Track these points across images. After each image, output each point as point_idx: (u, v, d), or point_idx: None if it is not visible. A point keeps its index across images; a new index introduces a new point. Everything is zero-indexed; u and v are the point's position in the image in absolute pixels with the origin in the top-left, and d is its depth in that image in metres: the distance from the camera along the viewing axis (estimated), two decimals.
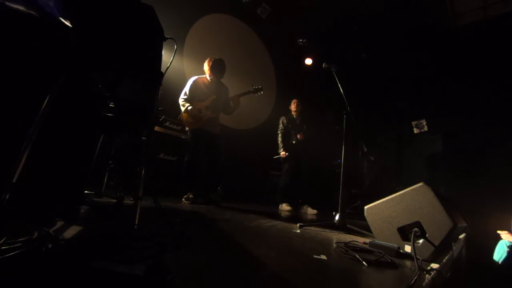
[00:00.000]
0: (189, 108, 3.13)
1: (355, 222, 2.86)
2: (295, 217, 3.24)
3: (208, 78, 3.36)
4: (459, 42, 4.91)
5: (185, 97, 3.20)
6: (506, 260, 2.82)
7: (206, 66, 3.35)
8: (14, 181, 1.00)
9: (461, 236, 2.43)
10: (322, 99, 5.77)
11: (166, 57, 1.80)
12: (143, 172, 1.56)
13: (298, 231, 2.14)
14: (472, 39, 4.77)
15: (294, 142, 4.18)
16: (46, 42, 1.21)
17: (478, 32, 4.70)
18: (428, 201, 1.65)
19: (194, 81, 3.27)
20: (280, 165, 4.33)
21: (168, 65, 1.74)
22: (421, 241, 1.60)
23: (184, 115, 3.20)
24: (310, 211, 3.89)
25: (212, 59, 3.34)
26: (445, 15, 4.76)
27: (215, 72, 3.33)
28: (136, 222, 1.41)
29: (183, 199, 3.07)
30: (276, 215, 3.16)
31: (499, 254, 2.92)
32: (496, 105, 4.39)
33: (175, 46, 1.74)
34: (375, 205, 1.92)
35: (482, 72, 4.63)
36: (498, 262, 2.87)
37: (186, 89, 3.24)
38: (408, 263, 1.47)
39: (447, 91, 5.02)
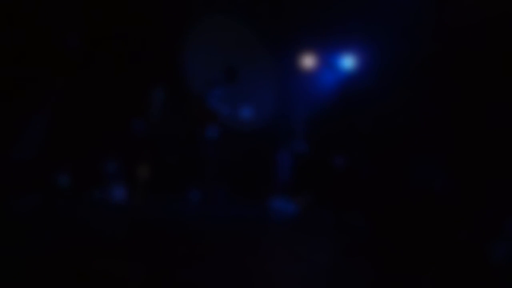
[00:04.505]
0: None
1: (355, 221, 2.85)
2: (295, 216, 3.22)
3: None
4: (457, 41, 4.88)
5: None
6: (506, 260, 2.82)
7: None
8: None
9: None
10: (322, 99, 5.75)
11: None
12: (143, 172, 1.56)
13: (298, 230, 2.14)
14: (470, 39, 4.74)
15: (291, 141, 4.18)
16: (45, 42, 1.21)
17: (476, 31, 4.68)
18: None
19: None
20: (279, 164, 4.30)
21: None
22: None
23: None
24: (309, 209, 3.87)
25: None
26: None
27: None
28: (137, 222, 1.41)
29: (186, 199, 3.05)
30: (276, 215, 3.14)
31: (498, 254, 2.92)
32: (496, 104, 4.37)
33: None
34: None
35: (481, 71, 4.61)
36: (498, 262, 2.87)
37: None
38: None
39: (447, 91, 5.00)
